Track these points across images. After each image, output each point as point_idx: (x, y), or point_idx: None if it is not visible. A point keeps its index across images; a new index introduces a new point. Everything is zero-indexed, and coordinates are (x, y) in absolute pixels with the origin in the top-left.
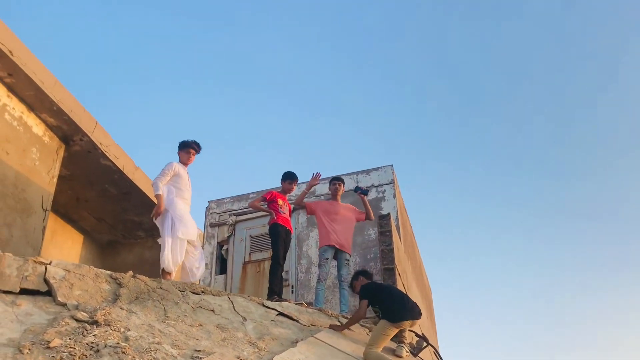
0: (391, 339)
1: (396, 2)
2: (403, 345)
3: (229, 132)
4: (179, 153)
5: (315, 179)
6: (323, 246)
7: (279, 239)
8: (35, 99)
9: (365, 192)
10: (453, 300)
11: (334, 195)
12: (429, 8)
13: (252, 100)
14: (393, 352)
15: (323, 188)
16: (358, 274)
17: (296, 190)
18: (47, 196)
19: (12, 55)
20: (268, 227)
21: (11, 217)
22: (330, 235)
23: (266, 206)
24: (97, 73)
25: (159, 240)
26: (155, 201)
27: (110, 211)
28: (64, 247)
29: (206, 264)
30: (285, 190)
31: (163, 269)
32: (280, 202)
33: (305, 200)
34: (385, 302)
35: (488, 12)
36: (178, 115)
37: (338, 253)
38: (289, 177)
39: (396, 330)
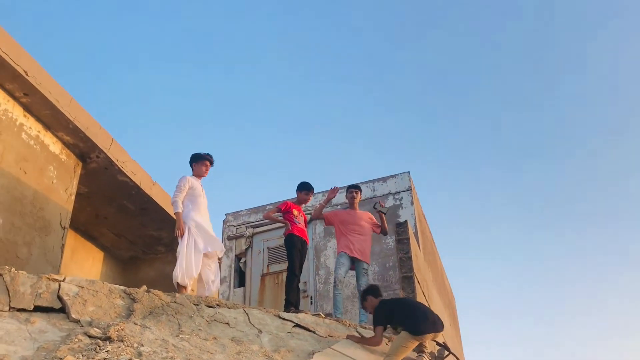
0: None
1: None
2: (424, 354)
3: (245, 144)
4: (193, 165)
5: (334, 192)
6: (340, 252)
7: (294, 249)
8: (51, 117)
9: (383, 210)
10: (478, 307)
11: (351, 204)
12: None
13: (266, 113)
14: None
15: (339, 197)
16: (365, 293)
17: (313, 201)
18: (65, 214)
19: (27, 75)
20: (284, 238)
21: (30, 236)
22: (348, 245)
23: (281, 217)
24: (106, 83)
25: (180, 251)
26: (175, 217)
27: (129, 227)
28: (84, 264)
29: (224, 277)
30: (300, 201)
31: (178, 283)
32: (295, 212)
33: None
34: (405, 316)
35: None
36: (194, 128)
37: (356, 262)
38: (305, 188)
39: (417, 343)
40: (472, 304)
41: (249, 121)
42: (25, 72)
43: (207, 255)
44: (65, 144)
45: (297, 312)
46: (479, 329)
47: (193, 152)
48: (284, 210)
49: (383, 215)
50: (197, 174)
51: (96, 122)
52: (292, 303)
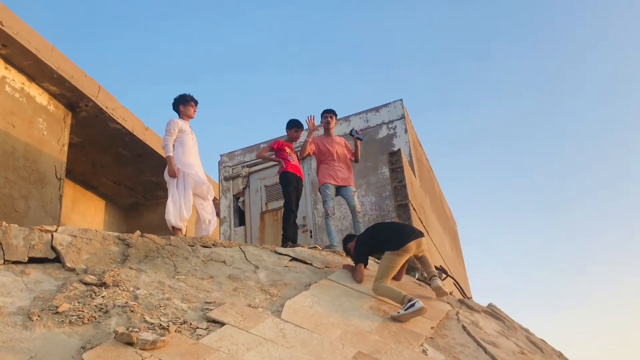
0: (409, 273)
1: None
2: (436, 279)
3: (236, 83)
4: (180, 107)
5: (311, 122)
6: (324, 184)
7: (289, 186)
8: (33, 68)
9: (360, 137)
10: (480, 230)
11: (326, 130)
12: None
13: (255, 48)
14: (429, 286)
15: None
16: (344, 244)
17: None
18: (59, 165)
19: (2, 25)
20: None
21: (26, 189)
22: (330, 174)
23: (274, 155)
24: (87, 26)
25: (170, 194)
26: (167, 161)
27: (128, 174)
28: (86, 214)
29: (224, 217)
30: (291, 139)
31: (173, 226)
32: (287, 150)
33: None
34: (384, 238)
35: None
36: (183, 68)
37: (342, 189)
38: (294, 125)
39: (403, 258)
40: (473, 228)
41: (236, 58)
42: (0, 22)
43: (201, 196)
44: (52, 94)
45: (294, 247)
46: (482, 251)
47: (176, 96)
48: (276, 148)
49: (359, 141)
50: (186, 116)
51: (81, 70)
52: (289, 238)
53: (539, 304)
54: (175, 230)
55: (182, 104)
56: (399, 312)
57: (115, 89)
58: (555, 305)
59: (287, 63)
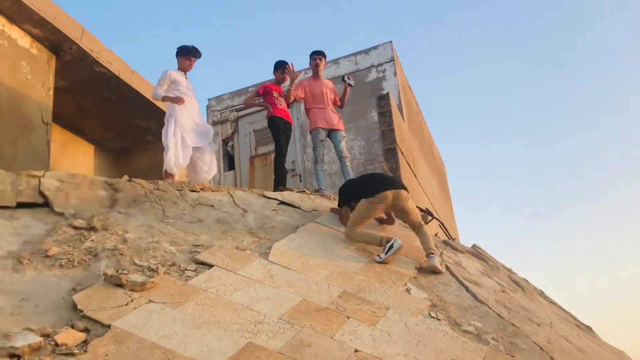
0: None
1: None
2: (434, 256)
3: (222, 27)
4: (178, 58)
5: (291, 70)
6: (315, 128)
7: (278, 130)
8: (13, 9)
9: (351, 83)
10: (468, 173)
11: (315, 72)
12: None
13: None
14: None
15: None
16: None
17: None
18: (45, 110)
19: None
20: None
21: (13, 135)
22: (321, 118)
23: (261, 101)
24: None
25: (163, 143)
26: (166, 102)
27: (116, 118)
28: (75, 158)
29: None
30: (278, 81)
31: (165, 171)
32: (275, 94)
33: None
34: (360, 185)
35: None
36: (172, 15)
37: (331, 132)
38: (281, 67)
39: (379, 208)
40: (463, 172)
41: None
42: None
43: (198, 149)
44: (34, 37)
45: (283, 191)
46: (471, 193)
47: (179, 45)
48: (263, 93)
49: (349, 88)
50: (183, 68)
51: (63, 12)
52: (280, 183)
53: (524, 247)
54: (167, 175)
55: (180, 55)
56: (380, 257)
57: (102, 33)
58: (539, 248)
59: (277, 2)
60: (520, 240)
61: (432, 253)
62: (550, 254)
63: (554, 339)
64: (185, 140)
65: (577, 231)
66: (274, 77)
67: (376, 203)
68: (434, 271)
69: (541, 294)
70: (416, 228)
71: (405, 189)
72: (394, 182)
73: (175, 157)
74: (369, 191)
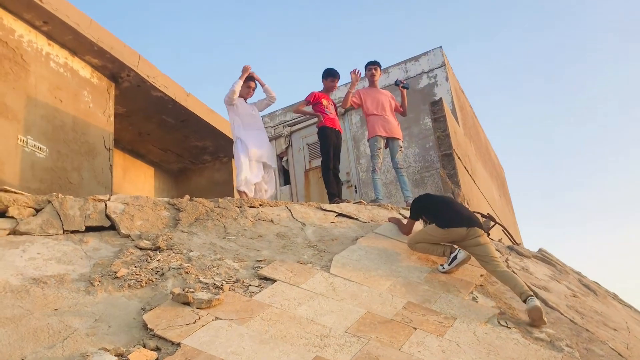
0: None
1: None
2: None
3: (268, 41)
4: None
5: (355, 74)
6: (373, 136)
7: (327, 142)
8: (75, 42)
9: (406, 85)
10: (529, 177)
11: (371, 82)
12: None
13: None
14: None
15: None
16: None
17: (340, 93)
18: (107, 136)
19: (42, 2)
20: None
21: (78, 161)
22: (377, 125)
23: (311, 109)
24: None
25: (235, 163)
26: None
27: (173, 140)
28: (137, 182)
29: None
30: (327, 89)
31: (238, 190)
32: (324, 102)
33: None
34: (436, 210)
35: None
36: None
37: (390, 142)
38: (330, 75)
39: (444, 238)
40: (521, 175)
41: (271, 19)
42: None
43: (259, 162)
44: (94, 67)
45: (339, 202)
46: (532, 197)
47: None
48: (313, 101)
49: (405, 90)
50: (242, 95)
51: (120, 41)
52: (334, 194)
53: (593, 250)
54: (240, 193)
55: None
56: (443, 267)
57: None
58: (611, 251)
59: (315, 13)
60: (588, 242)
61: (530, 296)
62: (620, 254)
63: (632, 344)
64: (252, 157)
65: None
66: (323, 85)
67: (445, 233)
68: (535, 318)
69: (614, 297)
70: (491, 268)
71: (481, 226)
72: (472, 219)
73: (246, 174)
74: (444, 220)
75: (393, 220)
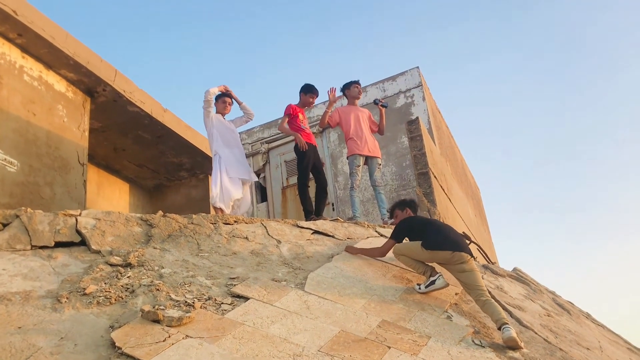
0: None
1: None
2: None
3: (245, 58)
4: (215, 104)
5: (333, 93)
6: (352, 154)
7: (304, 159)
8: (50, 56)
9: (385, 104)
10: (503, 196)
11: (354, 99)
12: None
13: (262, 17)
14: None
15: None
16: (405, 204)
17: (317, 111)
18: (81, 151)
19: (16, 15)
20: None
21: (50, 176)
22: (357, 143)
23: (289, 129)
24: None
25: (212, 177)
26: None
27: (149, 156)
28: (112, 197)
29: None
30: (304, 104)
31: (214, 206)
32: (300, 116)
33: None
34: (423, 232)
35: None
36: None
37: (368, 160)
38: (310, 90)
39: (428, 259)
40: (498, 194)
41: (251, 35)
42: (14, 11)
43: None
44: (70, 80)
45: (316, 220)
46: (507, 215)
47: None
48: (293, 114)
49: (384, 109)
50: (219, 111)
51: (97, 55)
52: (311, 212)
53: (566, 268)
54: (216, 210)
55: (217, 99)
56: (420, 287)
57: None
58: (582, 268)
59: (304, 34)
60: (562, 262)
61: (505, 323)
62: (593, 274)
63: None
64: (230, 174)
65: (625, 249)
66: (300, 99)
67: (431, 257)
68: (513, 346)
69: (588, 316)
70: (474, 296)
71: (468, 252)
72: (457, 244)
73: (224, 191)
74: (429, 242)
75: (353, 251)
